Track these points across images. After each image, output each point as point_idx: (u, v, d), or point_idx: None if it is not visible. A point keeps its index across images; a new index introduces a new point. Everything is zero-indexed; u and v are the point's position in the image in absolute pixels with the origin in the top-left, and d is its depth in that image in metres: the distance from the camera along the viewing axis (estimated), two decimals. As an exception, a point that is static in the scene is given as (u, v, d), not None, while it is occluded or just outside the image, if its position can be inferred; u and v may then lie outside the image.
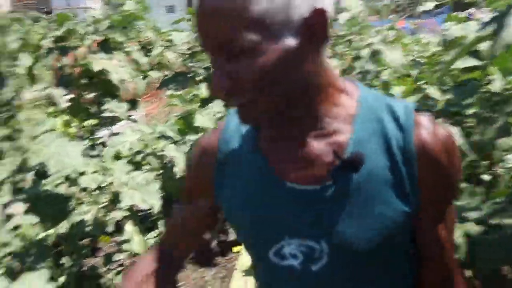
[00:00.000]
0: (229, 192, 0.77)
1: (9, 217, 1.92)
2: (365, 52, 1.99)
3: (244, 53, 0.60)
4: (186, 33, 2.61)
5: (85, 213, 1.88)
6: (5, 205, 1.90)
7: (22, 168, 1.85)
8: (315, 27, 0.62)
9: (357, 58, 2.05)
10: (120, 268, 2.59)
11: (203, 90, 2.50)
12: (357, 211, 0.68)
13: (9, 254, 1.96)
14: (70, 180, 1.82)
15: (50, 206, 1.75)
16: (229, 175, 0.77)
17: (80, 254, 2.24)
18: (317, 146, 0.70)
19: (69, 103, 2.63)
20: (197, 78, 2.45)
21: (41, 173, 1.83)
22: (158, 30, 2.93)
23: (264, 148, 0.73)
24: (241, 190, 0.75)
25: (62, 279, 2.13)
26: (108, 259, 2.43)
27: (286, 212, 0.71)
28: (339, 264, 0.70)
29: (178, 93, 2.52)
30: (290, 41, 0.61)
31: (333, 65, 2.51)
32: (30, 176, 1.91)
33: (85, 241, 2.32)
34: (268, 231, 0.73)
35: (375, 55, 1.94)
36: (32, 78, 2.39)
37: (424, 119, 0.70)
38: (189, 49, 2.56)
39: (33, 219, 1.97)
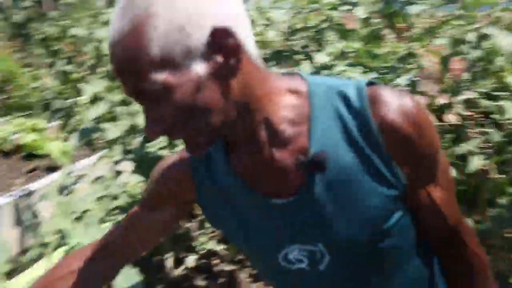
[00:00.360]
0: (214, 213, 0.80)
1: (118, 173, 2.16)
2: (472, 36, 1.82)
3: (160, 95, 0.60)
4: (285, 10, 2.63)
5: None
6: (116, 162, 2.13)
7: (132, 130, 2.05)
8: (223, 46, 0.60)
9: (458, 42, 1.89)
10: (212, 234, 2.76)
11: (303, 68, 2.51)
12: (341, 208, 0.67)
13: (117, 208, 2.19)
14: (171, 145, 1.96)
15: (152, 168, 1.91)
16: (209, 196, 0.78)
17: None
18: (280, 157, 0.68)
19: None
20: (297, 56, 2.46)
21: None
22: (260, 8, 2.99)
23: (238, 169, 0.73)
24: (226, 210, 0.77)
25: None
26: (201, 224, 2.61)
27: (276, 224, 0.72)
28: (342, 261, 0.71)
29: (279, 71, 2.57)
30: (199, 68, 0.59)
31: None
32: (138, 139, 2.11)
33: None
34: (266, 243, 0.75)
35: (483, 40, 1.77)
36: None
37: (380, 93, 0.66)
38: (289, 27, 2.58)
39: (139, 178, 2.17)
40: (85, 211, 1.83)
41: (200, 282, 2.50)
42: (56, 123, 5.14)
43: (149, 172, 2.05)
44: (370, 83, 0.68)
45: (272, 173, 0.70)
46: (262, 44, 2.73)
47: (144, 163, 1.93)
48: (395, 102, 0.65)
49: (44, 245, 3.08)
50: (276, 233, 0.73)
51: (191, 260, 2.47)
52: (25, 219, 3.18)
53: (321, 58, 2.17)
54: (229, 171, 0.74)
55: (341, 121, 0.66)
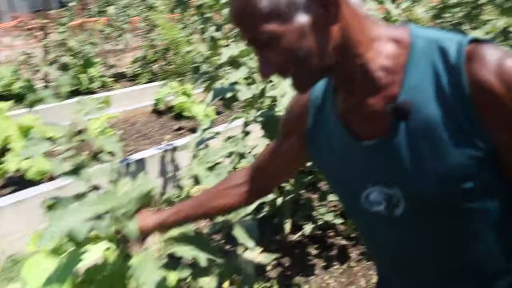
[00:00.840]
0: (318, 147, 0.86)
1: (247, 134, 2.29)
2: None
3: (270, 41, 0.68)
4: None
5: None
6: (246, 124, 2.26)
7: (263, 94, 2.14)
8: None
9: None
10: (333, 208, 2.77)
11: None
12: (420, 158, 0.68)
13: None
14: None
15: (274, 126, 1.97)
16: (317, 130, 0.86)
17: (301, 183, 2.49)
18: (372, 102, 0.72)
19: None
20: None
21: (274, 99, 2.08)
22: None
23: (339, 108, 0.80)
24: (327, 146, 0.84)
25: (280, 200, 2.44)
26: (323, 196, 2.63)
27: (362, 165, 0.77)
28: (416, 211, 0.72)
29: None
30: (302, 18, 0.66)
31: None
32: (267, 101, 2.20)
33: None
34: (353, 181, 0.80)
35: None
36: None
37: (479, 51, 0.63)
38: (440, 3, 2.39)
39: (266, 141, 2.27)
40: (217, 163, 1.97)
41: (312, 250, 2.54)
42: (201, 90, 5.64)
43: (274, 132, 2.13)
44: (476, 40, 0.66)
45: (363, 116, 0.74)
46: (408, 21, 2.59)
47: (271, 122, 2.01)
48: (493, 62, 0.62)
49: (180, 187, 3.44)
50: (362, 173, 0.78)
51: (308, 229, 2.52)
52: (168, 170, 3.58)
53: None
54: (333, 112, 0.81)
55: (435, 75, 0.66)
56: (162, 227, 1.15)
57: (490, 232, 0.71)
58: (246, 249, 1.54)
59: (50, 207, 1.75)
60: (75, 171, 1.38)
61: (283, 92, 1.99)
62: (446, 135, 0.65)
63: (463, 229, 0.71)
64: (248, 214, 1.55)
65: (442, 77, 0.65)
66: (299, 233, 2.63)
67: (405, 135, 0.69)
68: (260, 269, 2.32)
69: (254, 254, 1.51)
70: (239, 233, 1.44)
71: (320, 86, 0.85)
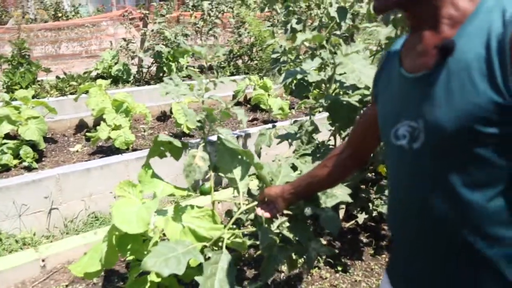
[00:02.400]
0: (380, 87, 0.98)
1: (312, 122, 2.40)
2: None
3: None
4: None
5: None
6: (310, 108, 2.38)
7: (330, 78, 2.24)
8: None
9: None
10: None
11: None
12: (451, 94, 0.75)
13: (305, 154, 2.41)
14: (361, 95, 2.09)
15: (342, 112, 2.07)
16: (382, 73, 0.97)
17: (360, 175, 2.56)
18: (428, 40, 0.81)
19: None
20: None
21: (342, 84, 2.18)
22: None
23: (402, 51, 0.89)
24: (385, 82, 0.94)
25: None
26: (379, 189, 2.67)
27: (402, 98, 0.86)
28: (433, 143, 0.78)
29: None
30: None
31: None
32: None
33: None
34: (392, 115, 0.89)
35: None
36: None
37: None
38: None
39: (328, 127, 2.37)
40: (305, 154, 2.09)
41: (363, 238, 2.60)
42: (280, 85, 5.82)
43: (339, 115, 2.23)
44: None
45: (417, 52, 0.83)
46: None
47: (336, 106, 2.10)
48: None
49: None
50: (399, 107, 0.87)
51: (361, 218, 2.59)
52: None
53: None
54: (398, 52, 0.91)
55: (489, 28, 0.72)
56: (283, 196, 1.37)
57: (494, 189, 0.75)
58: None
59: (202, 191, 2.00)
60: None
61: (352, 69, 2.06)
62: (478, 78, 0.72)
63: (468, 175, 0.76)
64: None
65: (494, 31, 0.72)
66: (352, 221, 2.70)
67: (445, 72, 0.76)
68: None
69: (319, 243, 1.65)
70: (325, 221, 1.58)
71: (396, 45, 0.96)
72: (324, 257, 2.41)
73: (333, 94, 2.23)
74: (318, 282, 2.23)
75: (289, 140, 2.23)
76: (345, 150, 1.21)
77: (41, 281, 2.17)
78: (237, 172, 1.79)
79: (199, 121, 1.92)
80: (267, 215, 1.46)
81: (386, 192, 2.66)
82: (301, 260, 2.07)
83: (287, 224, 1.67)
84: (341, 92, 2.19)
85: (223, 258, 1.58)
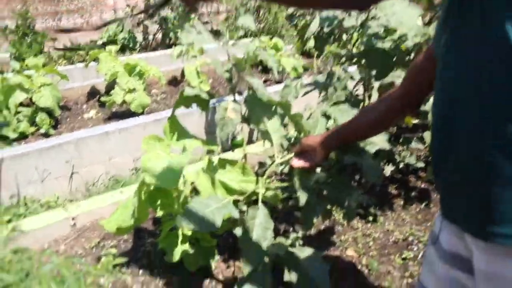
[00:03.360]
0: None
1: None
2: None
3: None
4: None
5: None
6: (340, 57, 2.30)
7: (366, 19, 2.14)
8: None
9: None
10: (417, 153, 2.76)
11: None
12: None
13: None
14: (400, 40, 2.00)
15: (377, 59, 1.99)
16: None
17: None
18: None
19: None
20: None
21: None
22: None
23: None
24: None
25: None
26: (405, 141, 2.63)
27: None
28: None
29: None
30: None
31: None
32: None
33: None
34: (440, 31, 0.88)
35: None
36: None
37: None
38: None
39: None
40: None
41: (392, 190, 2.58)
42: (291, 46, 5.71)
43: (374, 62, 2.15)
44: None
45: None
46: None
47: (371, 54, 2.02)
48: None
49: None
50: (445, 18, 0.86)
51: (388, 170, 2.55)
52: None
53: None
54: None
55: None
56: (323, 145, 1.34)
57: None
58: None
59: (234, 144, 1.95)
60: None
61: (392, 12, 1.97)
62: None
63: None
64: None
65: None
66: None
67: None
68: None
69: (359, 193, 1.62)
70: (367, 169, 1.55)
71: None
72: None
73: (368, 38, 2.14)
74: (350, 232, 2.21)
75: (317, 91, 2.17)
76: (397, 91, 1.18)
77: (73, 239, 2.17)
78: (270, 124, 1.74)
79: (227, 71, 1.87)
80: (305, 165, 1.43)
81: (413, 144, 2.62)
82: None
83: (324, 174, 1.64)
84: (374, 39, 2.10)
85: (259, 213, 1.56)
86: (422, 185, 2.63)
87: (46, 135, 3.38)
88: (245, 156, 1.88)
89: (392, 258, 2.03)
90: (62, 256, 1.98)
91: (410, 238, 2.16)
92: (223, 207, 1.53)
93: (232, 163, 1.79)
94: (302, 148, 1.44)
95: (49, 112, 3.49)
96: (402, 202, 2.47)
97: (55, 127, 3.56)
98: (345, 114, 1.76)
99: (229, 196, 1.68)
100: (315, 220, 1.61)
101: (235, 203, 1.66)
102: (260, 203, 1.58)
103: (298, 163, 1.44)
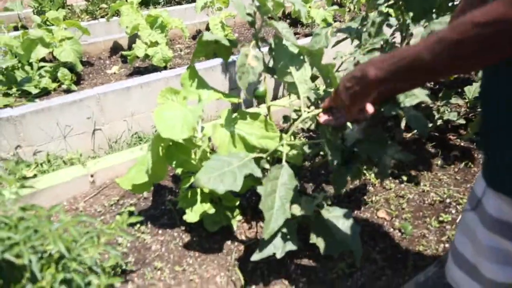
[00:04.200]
0: None
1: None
2: None
3: None
4: None
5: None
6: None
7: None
8: None
9: None
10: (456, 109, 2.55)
11: None
12: None
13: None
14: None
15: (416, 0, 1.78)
16: None
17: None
18: None
19: None
20: None
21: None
22: None
23: None
24: None
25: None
26: (446, 95, 2.42)
27: None
28: None
29: None
30: None
31: None
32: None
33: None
34: None
35: None
36: None
37: None
38: None
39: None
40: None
41: (429, 148, 2.40)
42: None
43: (412, 6, 1.94)
44: None
45: None
46: None
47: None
48: None
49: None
50: None
51: (424, 127, 2.37)
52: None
53: None
54: None
55: None
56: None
57: None
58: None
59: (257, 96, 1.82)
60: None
61: None
62: None
63: None
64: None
65: None
66: (414, 131, 2.48)
67: None
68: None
69: (395, 149, 1.45)
70: (412, 120, 1.40)
71: None
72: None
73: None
74: (382, 192, 2.07)
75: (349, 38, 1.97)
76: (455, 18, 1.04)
77: (92, 196, 2.12)
78: (297, 74, 1.58)
79: (249, 14, 1.69)
80: (335, 123, 1.28)
81: (453, 100, 2.41)
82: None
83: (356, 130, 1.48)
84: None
85: (283, 172, 1.43)
86: (462, 144, 2.43)
87: (69, 91, 3.31)
88: (268, 109, 1.73)
89: (427, 221, 1.88)
90: (82, 213, 1.93)
91: (448, 200, 2.00)
92: (244, 166, 1.41)
93: (254, 116, 1.65)
94: (332, 102, 1.28)
95: (70, 68, 3.41)
96: (439, 162, 2.29)
97: (77, 83, 3.48)
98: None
99: (248, 153, 1.56)
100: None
101: (258, 160, 1.53)
102: (284, 162, 1.45)
103: (327, 119, 1.29)
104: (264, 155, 1.56)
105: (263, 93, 1.72)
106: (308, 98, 1.55)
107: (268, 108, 1.74)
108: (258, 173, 1.43)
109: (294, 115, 1.73)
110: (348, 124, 1.40)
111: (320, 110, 1.38)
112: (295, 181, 1.44)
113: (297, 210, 1.40)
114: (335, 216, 1.43)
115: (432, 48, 0.74)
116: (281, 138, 1.60)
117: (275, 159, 1.70)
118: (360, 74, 0.92)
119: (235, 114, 1.66)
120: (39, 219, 1.18)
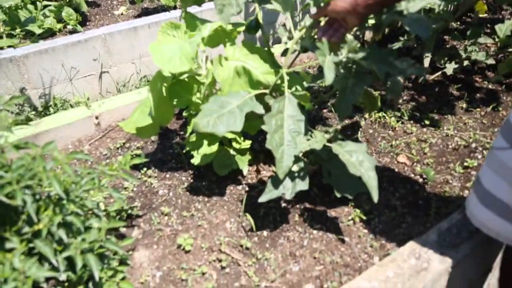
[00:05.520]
0: None
1: None
2: None
3: None
4: None
5: None
6: None
7: None
8: None
9: None
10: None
11: None
12: None
13: None
14: None
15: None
16: None
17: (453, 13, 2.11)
18: None
19: None
20: None
21: None
22: None
23: None
24: None
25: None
26: (474, 34, 2.23)
27: None
28: None
29: None
30: None
31: None
32: None
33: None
34: None
35: None
36: None
37: None
38: None
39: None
40: None
41: (453, 91, 2.24)
42: None
43: None
44: None
45: None
46: None
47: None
48: None
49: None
50: None
51: (450, 68, 2.19)
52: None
53: None
54: None
55: None
56: (356, 10, 1.11)
57: None
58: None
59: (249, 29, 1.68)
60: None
61: None
62: None
63: None
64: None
65: None
66: (438, 73, 2.32)
67: None
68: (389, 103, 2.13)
69: (406, 62, 1.30)
70: (411, 24, 1.25)
71: None
72: (409, 110, 2.10)
73: None
74: (403, 136, 1.94)
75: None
76: None
77: (97, 139, 2.04)
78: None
79: None
80: (333, 39, 1.18)
81: (481, 39, 2.22)
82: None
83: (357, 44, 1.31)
84: None
85: (287, 104, 1.31)
86: (490, 86, 2.26)
87: (74, 32, 3.17)
88: (266, 41, 1.60)
89: (451, 166, 1.76)
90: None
91: (474, 145, 1.87)
92: (245, 104, 1.30)
93: (259, 50, 1.51)
94: (328, 14, 1.18)
95: (76, 8, 3.26)
96: (464, 105, 2.14)
97: (83, 24, 3.34)
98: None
99: (252, 90, 1.44)
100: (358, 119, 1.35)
101: (262, 97, 1.41)
102: (286, 93, 1.34)
103: (324, 35, 1.20)
104: (267, 91, 1.45)
105: (257, 26, 1.56)
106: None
107: (266, 40, 1.61)
108: (260, 109, 1.33)
109: (285, 39, 1.55)
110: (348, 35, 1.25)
111: (312, 21, 1.28)
112: (303, 111, 1.33)
113: (306, 144, 1.29)
114: (349, 150, 1.30)
115: None
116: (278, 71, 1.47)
117: (280, 95, 1.58)
118: None
119: (239, 45, 1.52)
120: (33, 158, 1.11)
